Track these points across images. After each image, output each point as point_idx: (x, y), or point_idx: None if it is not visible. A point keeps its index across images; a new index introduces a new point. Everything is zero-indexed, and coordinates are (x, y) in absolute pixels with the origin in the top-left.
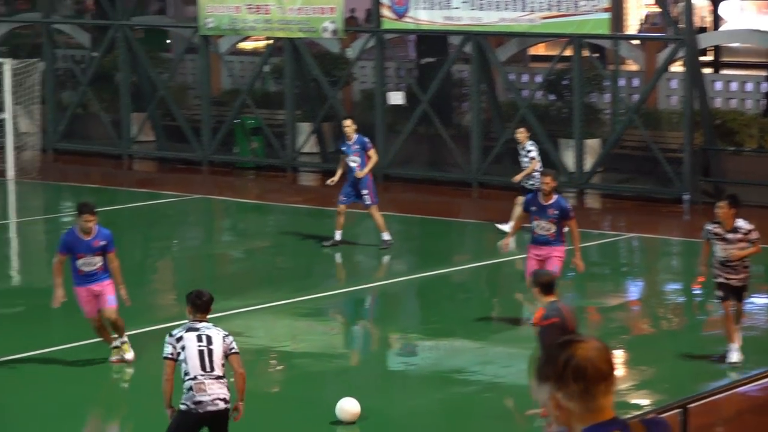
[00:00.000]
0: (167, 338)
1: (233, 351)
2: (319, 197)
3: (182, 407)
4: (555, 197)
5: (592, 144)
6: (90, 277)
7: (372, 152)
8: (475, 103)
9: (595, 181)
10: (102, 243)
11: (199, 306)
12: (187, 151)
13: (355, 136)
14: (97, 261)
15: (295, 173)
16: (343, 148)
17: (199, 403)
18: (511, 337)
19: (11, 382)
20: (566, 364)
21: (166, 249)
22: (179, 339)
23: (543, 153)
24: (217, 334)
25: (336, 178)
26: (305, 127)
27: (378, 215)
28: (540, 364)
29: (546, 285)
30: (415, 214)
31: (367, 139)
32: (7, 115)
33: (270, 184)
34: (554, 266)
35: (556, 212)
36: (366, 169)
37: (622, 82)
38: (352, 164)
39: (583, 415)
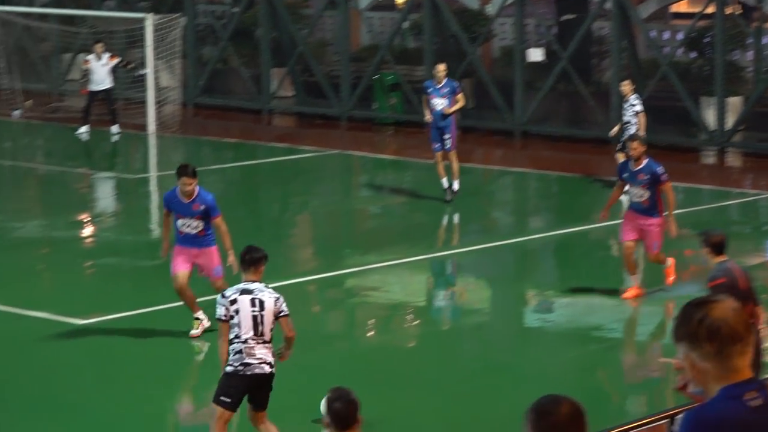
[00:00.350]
0: (220, 299)
1: (283, 314)
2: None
3: (228, 369)
4: (645, 161)
5: (734, 102)
6: (190, 240)
7: (461, 96)
8: (615, 61)
9: (736, 139)
10: (202, 207)
11: (251, 262)
12: (325, 107)
13: (444, 80)
14: (198, 225)
15: None
16: (429, 90)
17: (247, 365)
18: (649, 295)
19: (146, 332)
20: (700, 323)
21: (304, 204)
22: (233, 302)
23: (684, 111)
24: (269, 298)
25: (428, 117)
26: None
27: (455, 161)
28: (676, 323)
29: (716, 245)
30: (553, 171)
31: (457, 83)
32: (149, 70)
33: (408, 140)
34: (653, 241)
35: (647, 177)
36: (454, 108)
37: (765, 40)
38: (439, 107)
39: (718, 376)
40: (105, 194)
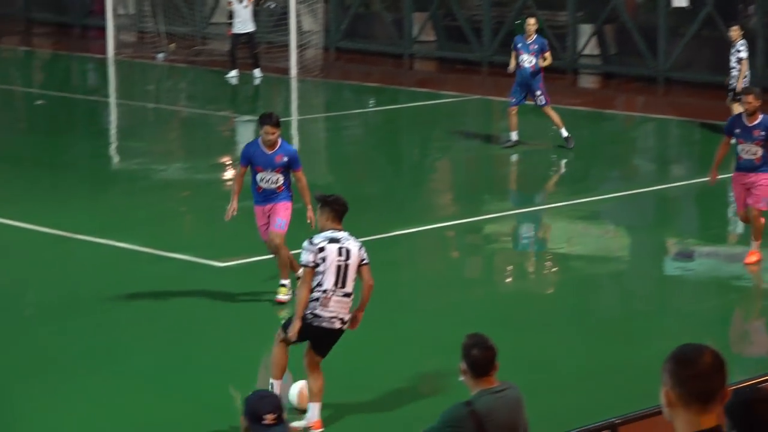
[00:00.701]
0: (307, 245)
1: (364, 262)
2: (598, 100)
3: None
4: (760, 117)
5: None
6: (267, 197)
7: (548, 54)
8: (761, 6)
9: None
10: (284, 159)
11: (340, 212)
12: (467, 52)
13: (534, 36)
14: (278, 179)
15: (575, 75)
16: (519, 45)
17: (317, 317)
18: None
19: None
20: None
21: (444, 149)
22: (321, 249)
23: None
24: (354, 246)
25: (512, 67)
26: (586, 29)
27: (553, 113)
28: None
29: None
30: (696, 119)
31: (546, 41)
32: (291, 14)
33: (549, 86)
34: (762, 195)
35: (763, 133)
36: (544, 63)
37: None
38: (526, 64)
39: None
40: (246, 138)
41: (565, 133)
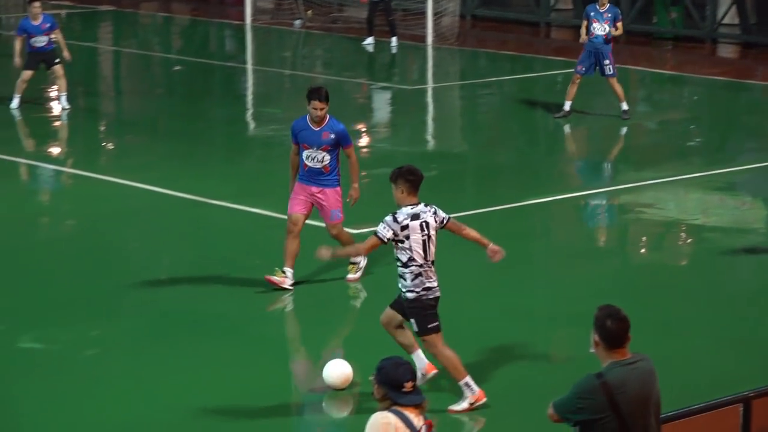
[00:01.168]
0: (390, 221)
1: (446, 220)
2: (737, 70)
3: (410, 295)
4: None
5: None
6: (313, 177)
7: (620, 24)
8: None
9: None
10: (332, 136)
11: (415, 183)
12: None
13: (608, 5)
14: (324, 157)
15: (714, 45)
16: (592, 14)
17: (429, 289)
18: None
19: None
20: None
21: (580, 119)
22: (404, 227)
23: None
24: (430, 217)
25: (584, 37)
26: None
27: (618, 86)
28: None
29: None
30: None
31: (619, 11)
32: None
33: (687, 56)
34: None
35: None
36: (616, 33)
37: None
38: (599, 32)
39: None
40: (381, 105)
41: (625, 106)
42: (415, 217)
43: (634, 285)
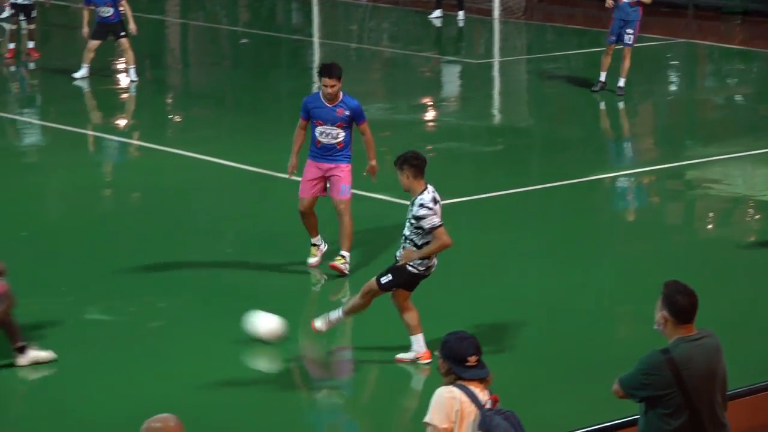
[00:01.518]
0: (427, 211)
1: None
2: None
3: (412, 270)
4: None
5: None
6: (325, 153)
7: None
8: None
9: None
10: (346, 113)
11: (420, 167)
12: None
13: None
14: (338, 134)
15: None
16: None
17: (431, 267)
18: None
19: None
20: None
21: (647, 93)
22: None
23: None
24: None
25: (609, 3)
26: None
27: (628, 60)
28: None
29: None
30: None
31: None
32: None
33: (756, 30)
34: None
35: None
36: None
37: None
38: None
39: None
40: (448, 79)
41: (622, 83)
42: (436, 201)
43: (701, 261)
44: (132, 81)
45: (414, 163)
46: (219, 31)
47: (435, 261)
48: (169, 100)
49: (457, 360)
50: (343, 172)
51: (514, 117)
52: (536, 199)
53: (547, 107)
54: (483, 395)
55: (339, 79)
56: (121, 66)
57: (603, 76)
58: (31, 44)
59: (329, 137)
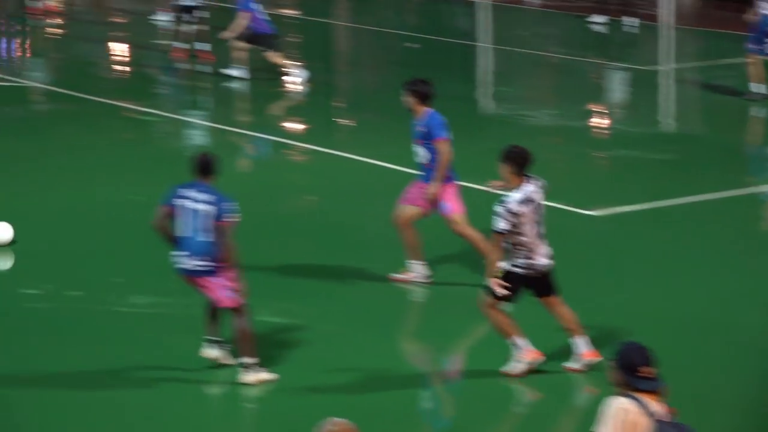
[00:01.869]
0: (503, 212)
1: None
2: None
3: (520, 270)
4: None
5: None
6: (420, 170)
7: None
8: None
9: None
10: (422, 129)
11: (522, 165)
12: None
13: None
14: (421, 152)
15: None
16: None
17: (533, 265)
18: None
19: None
20: None
21: None
22: (515, 214)
23: None
24: (540, 197)
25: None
26: None
27: (761, 67)
28: None
29: None
30: None
31: None
32: None
33: None
34: None
35: None
36: None
37: None
38: (767, 11)
39: None
40: (617, 85)
41: (755, 88)
42: (526, 201)
43: None
44: (299, 84)
45: (518, 162)
46: (385, 35)
47: (541, 259)
48: (337, 103)
49: (629, 369)
50: (447, 193)
51: (685, 124)
52: (708, 209)
53: (719, 115)
54: (657, 407)
55: (413, 95)
56: (289, 69)
57: (754, 87)
58: (200, 46)
59: (417, 156)
